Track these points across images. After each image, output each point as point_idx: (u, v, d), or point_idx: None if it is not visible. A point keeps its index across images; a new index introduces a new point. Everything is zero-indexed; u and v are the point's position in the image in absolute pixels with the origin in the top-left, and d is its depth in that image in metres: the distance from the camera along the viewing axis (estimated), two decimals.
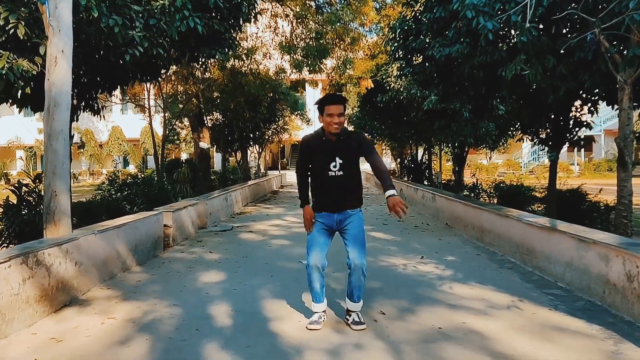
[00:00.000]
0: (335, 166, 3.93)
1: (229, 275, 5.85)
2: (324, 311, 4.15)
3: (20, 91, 5.99)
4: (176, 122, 20.88)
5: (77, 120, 8.63)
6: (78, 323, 4.16)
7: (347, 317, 4.11)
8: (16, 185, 7.44)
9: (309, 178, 4.16)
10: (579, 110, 9.78)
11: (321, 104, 3.97)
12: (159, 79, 11.61)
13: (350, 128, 11.60)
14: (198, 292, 5.15)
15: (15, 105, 7.34)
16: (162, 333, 3.91)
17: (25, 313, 4.08)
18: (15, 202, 7.30)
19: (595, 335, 3.72)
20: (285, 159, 45.80)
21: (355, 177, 4.06)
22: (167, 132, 17.33)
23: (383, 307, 4.51)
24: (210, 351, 3.53)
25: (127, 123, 38.97)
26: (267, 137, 26.14)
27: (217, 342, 3.69)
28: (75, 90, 7.83)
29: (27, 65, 5.66)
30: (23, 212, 7.11)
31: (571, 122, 9.72)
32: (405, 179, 21.01)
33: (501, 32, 7.92)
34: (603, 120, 32.02)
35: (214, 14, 7.92)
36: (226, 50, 8.71)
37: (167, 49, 7.73)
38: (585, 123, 9.75)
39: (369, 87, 16.91)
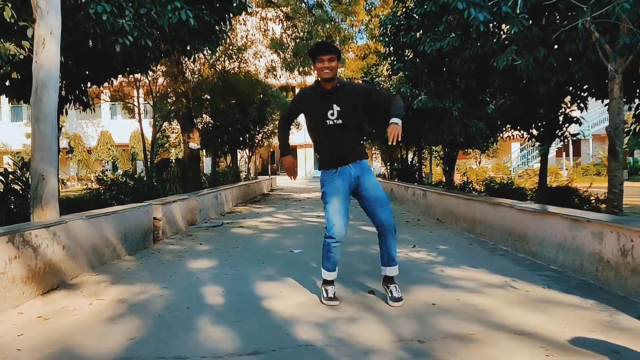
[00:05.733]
0: (332, 114, 3.85)
1: (220, 263, 5.78)
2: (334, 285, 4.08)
3: (7, 77, 5.92)
4: (165, 125, 20.69)
5: (66, 114, 8.53)
6: (66, 304, 4.08)
7: (386, 287, 4.01)
8: (2, 173, 7.31)
9: (310, 136, 4.08)
10: (569, 107, 9.88)
11: (312, 53, 3.96)
12: (148, 73, 11.54)
13: None
14: (188, 276, 5.08)
15: (4, 95, 7.25)
16: (152, 311, 3.83)
17: (12, 293, 3.99)
18: (1, 190, 7.18)
19: (590, 308, 3.70)
20: (275, 164, 45.71)
21: (355, 127, 3.98)
22: (157, 132, 17.22)
23: (375, 287, 4.46)
24: (201, 326, 3.46)
25: (116, 128, 38.58)
26: (257, 140, 26.02)
27: (208, 319, 3.63)
28: (64, 82, 7.74)
29: (14, 49, 5.58)
30: (10, 200, 7.00)
31: (561, 118, 9.81)
32: (396, 180, 21.02)
33: (492, 25, 7.98)
34: (592, 124, 32.30)
35: (204, 6, 7.86)
36: (215, 44, 8.63)
37: (157, 41, 7.67)
38: (575, 119, 9.85)
39: None
